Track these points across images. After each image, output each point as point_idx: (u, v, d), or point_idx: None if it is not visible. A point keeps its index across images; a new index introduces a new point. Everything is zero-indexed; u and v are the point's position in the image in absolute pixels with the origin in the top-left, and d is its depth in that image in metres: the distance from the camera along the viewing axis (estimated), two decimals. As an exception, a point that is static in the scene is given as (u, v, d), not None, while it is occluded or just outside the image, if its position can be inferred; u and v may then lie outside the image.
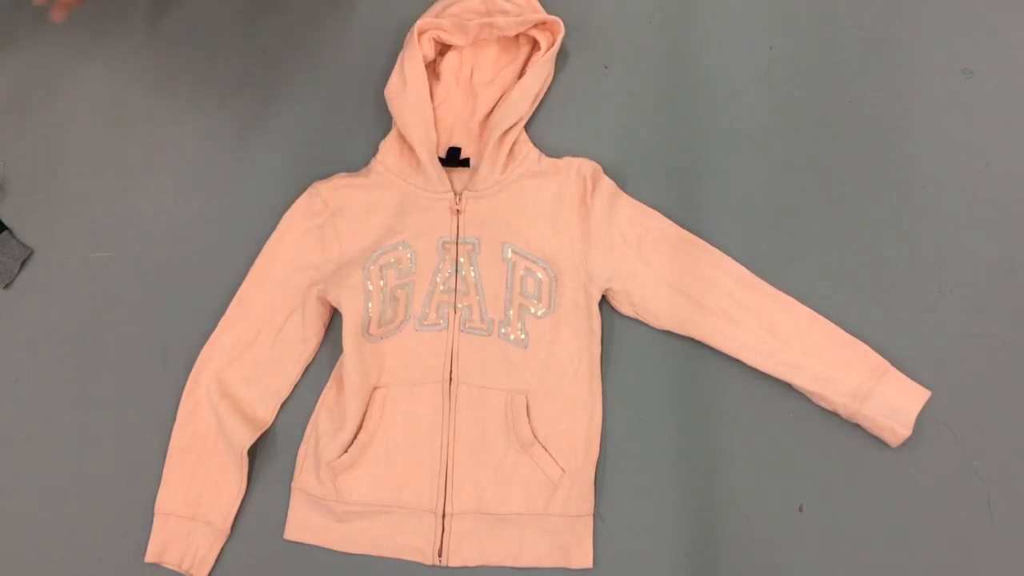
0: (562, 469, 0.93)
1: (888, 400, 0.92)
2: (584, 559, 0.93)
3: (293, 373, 1.01)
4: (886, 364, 0.94)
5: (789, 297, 0.97)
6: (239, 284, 1.02)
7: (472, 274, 0.99)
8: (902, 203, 1.02)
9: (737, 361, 0.96)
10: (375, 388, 0.98)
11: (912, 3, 1.09)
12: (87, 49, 1.16)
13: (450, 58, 1.06)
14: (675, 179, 1.05)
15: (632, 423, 0.97)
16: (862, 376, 0.93)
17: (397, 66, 1.04)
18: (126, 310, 1.06)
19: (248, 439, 0.97)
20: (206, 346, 1.00)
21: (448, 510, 0.94)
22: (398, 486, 0.95)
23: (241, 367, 0.99)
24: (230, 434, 0.97)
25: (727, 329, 0.96)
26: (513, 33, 1.04)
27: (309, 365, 1.02)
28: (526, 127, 1.05)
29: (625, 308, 0.99)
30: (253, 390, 0.99)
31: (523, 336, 0.97)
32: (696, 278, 0.98)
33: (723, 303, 0.96)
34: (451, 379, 0.96)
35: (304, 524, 0.96)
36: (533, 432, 0.94)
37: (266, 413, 1.00)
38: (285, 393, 1.01)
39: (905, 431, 0.92)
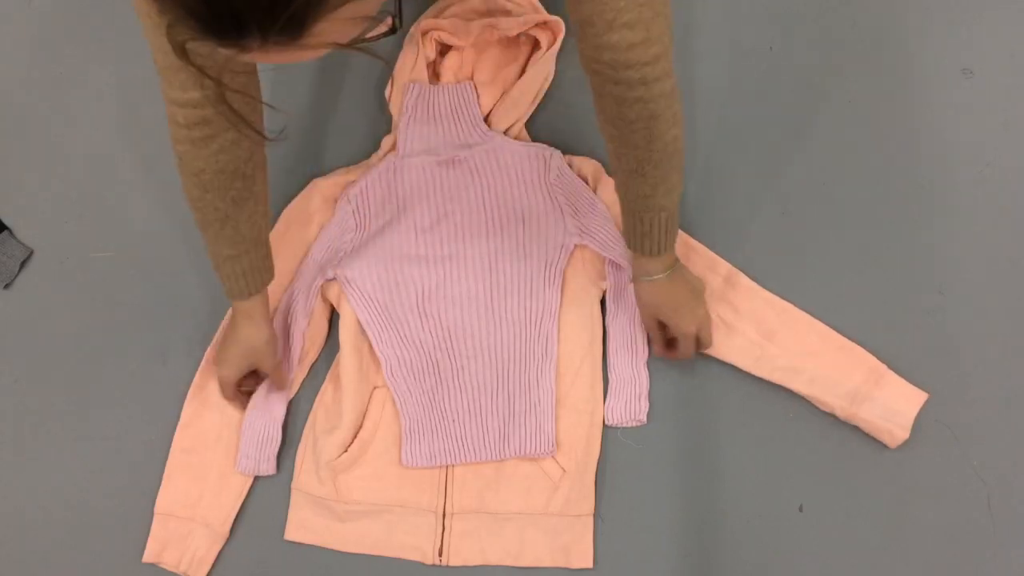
0: (562, 469, 0.94)
1: (885, 403, 0.92)
2: (584, 559, 0.93)
3: (298, 372, 1.01)
4: (883, 367, 0.94)
5: (786, 303, 0.97)
6: (239, 284, 1.02)
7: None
8: (902, 203, 1.02)
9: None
10: (375, 388, 0.98)
11: (912, 3, 1.09)
12: (88, 49, 1.16)
13: (451, 58, 1.06)
14: (675, 179, 1.05)
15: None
16: (859, 379, 0.93)
17: (397, 66, 1.05)
18: (126, 310, 1.05)
19: None
20: (210, 348, 1.00)
21: (448, 509, 0.94)
22: (398, 485, 0.95)
23: (245, 367, 0.99)
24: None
25: (724, 336, 0.95)
26: (514, 33, 1.04)
27: (313, 363, 1.01)
28: (526, 126, 1.05)
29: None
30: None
31: (523, 336, 0.97)
32: (693, 282, 0.97)
33: (719, 309, 0.96)
34: (451, 379, 0.97)
35: (304, 524, 0.96)
36: (533, 432, 0.94)
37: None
38: (291, 392, 1.00)
39: (903, 433, 0.92)
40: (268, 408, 0.97)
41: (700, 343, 0.92)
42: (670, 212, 0.82)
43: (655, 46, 0.69)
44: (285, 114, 0.95)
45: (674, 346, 0.93)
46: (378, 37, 0.55)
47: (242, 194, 0.83)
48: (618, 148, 0.78)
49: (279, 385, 0.97)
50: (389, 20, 0.56)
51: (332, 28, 0.50)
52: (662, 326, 0.92)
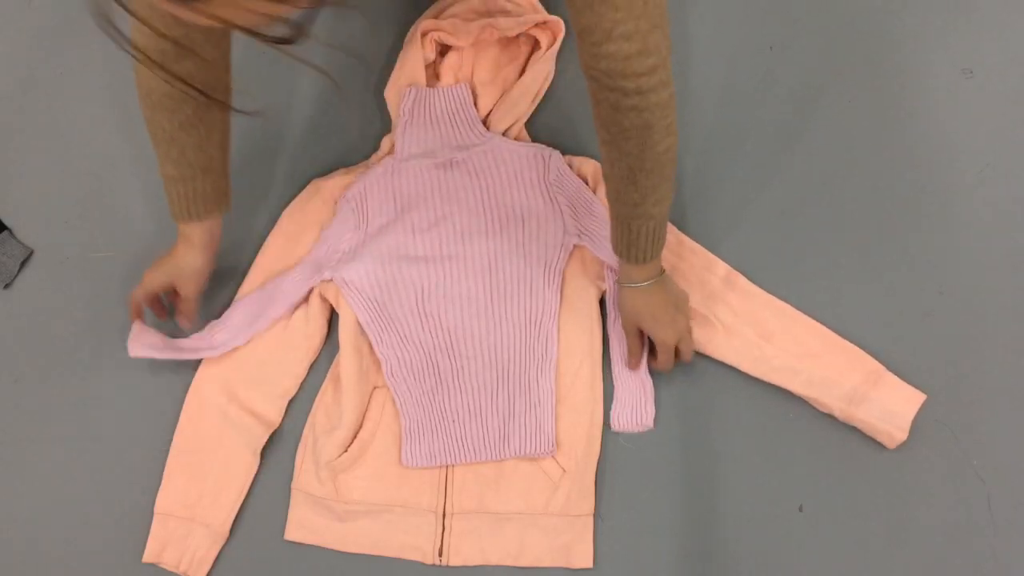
0: (562, 469, 0.94)
1: (883, 404, 0.92)
2: (584, 559, 0.93)
3: (299, 371, 1.00)
4: (881, 368, 0.94)
5: (784, 303, 0.97)
6: (240, 283, 1.02)
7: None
8: (902, 204, 1.02)
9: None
10: (375, 388, 0.98)
11: (912, 3, 1.09)
12: (88, 49, 1.16)
13: (451, 58, 1.06)
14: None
15: (632, 423, 0.97)
16: (857, 380, 0.93)
17: (397, 67, 1.05)
18: (126, 310, 1.05)
19: (261, 440, 0.97)
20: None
21: (448, 509, 0.94)
22: (398, 485, 0.95)
23: (246, 368, 0.99)
24: (243, 436, 0.97)
25: (722, 337, 0.95)
26: (514, 33, 1.04)
27: (313, 363, 1.01)
28: (526, 126, 1.05)
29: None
30: (260, 391, 0.99)
31: (523, 336, 0.97)
32: (691, 284, 0.97)
33: (717, 310, 0.96)
34: (451, 379, 0.97)
35: (304, 524, 0.96)
36: (533, 432, 0.94)
37: (274, 414, 0.99)
38: (292, 392, 1.00)
39: (901, 435, 0.91)
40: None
41: (680, 355, 0.93)
42: (658, 221, 0.83)
43: (651, 57, 0.70)
44: (264, 119, 0.98)
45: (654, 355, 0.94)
46: (272, 39, 0.56)
47: (191, 120, 0.86)
48: (611, 154, 0.79)
49: (186, 314, 0.99)
50: (296, 27, 0.56)
51: (229, 5, 0.51)
52: (641, 335, 0.93)
